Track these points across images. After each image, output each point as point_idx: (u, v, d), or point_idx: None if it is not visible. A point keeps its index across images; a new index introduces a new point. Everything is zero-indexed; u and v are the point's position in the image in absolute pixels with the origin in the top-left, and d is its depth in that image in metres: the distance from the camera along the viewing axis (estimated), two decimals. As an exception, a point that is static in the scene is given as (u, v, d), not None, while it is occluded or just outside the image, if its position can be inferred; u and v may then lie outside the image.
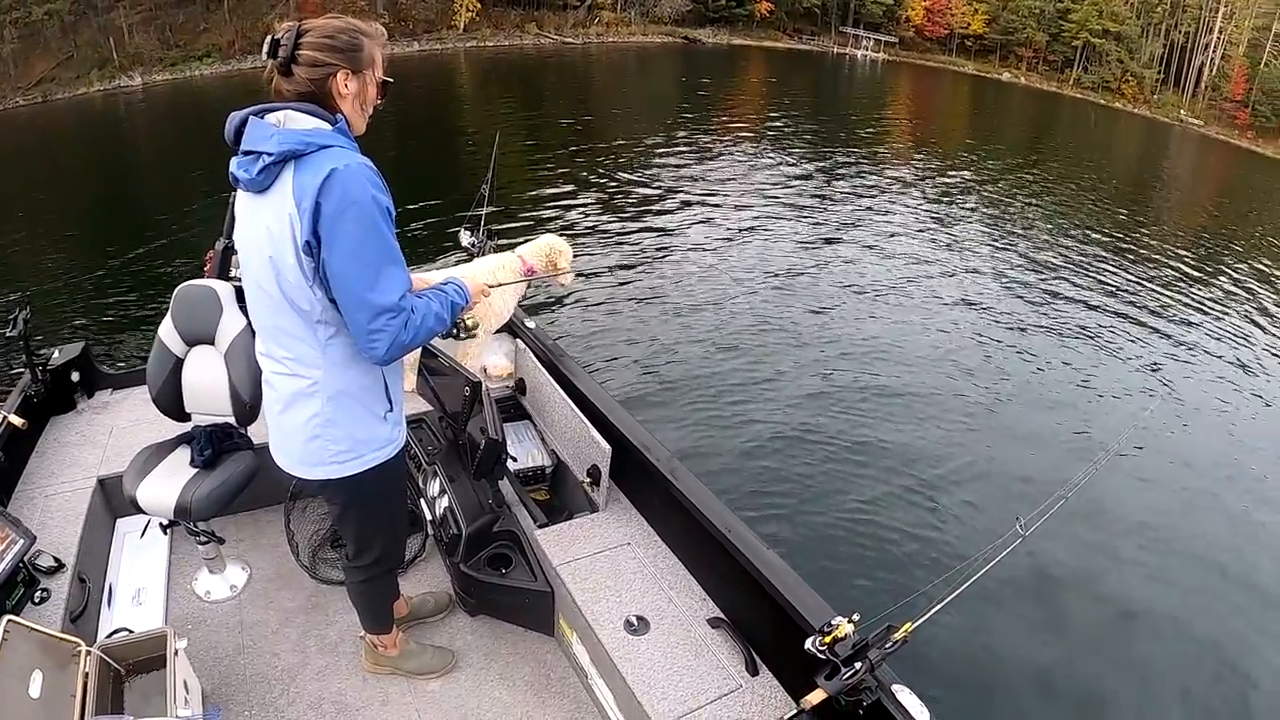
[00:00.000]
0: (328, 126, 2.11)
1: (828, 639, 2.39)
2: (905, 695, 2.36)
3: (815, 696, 2.36)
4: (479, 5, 46.34)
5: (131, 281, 11.54)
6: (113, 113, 30.82)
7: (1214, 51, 64.86)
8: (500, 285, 4.06)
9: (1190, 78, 65.11)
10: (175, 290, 3.39)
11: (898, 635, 2.38)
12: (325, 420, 2.34)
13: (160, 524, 3.56)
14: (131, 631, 3.23)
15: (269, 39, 2.12)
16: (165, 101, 31.80)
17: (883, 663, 2.35)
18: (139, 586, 3.64)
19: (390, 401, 2.44)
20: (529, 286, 4.77)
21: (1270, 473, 9.32)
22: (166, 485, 3.16)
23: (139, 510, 3.23)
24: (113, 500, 3.87)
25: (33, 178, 19.60)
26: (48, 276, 12.19)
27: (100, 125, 28.98)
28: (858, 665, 2.32)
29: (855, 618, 2.45)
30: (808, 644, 2.43)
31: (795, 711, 2.39)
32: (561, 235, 4.50)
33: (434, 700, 3.24)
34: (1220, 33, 64.91)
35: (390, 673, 3.25)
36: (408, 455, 4.11)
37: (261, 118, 2.10)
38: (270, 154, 2.02)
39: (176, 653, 2.87)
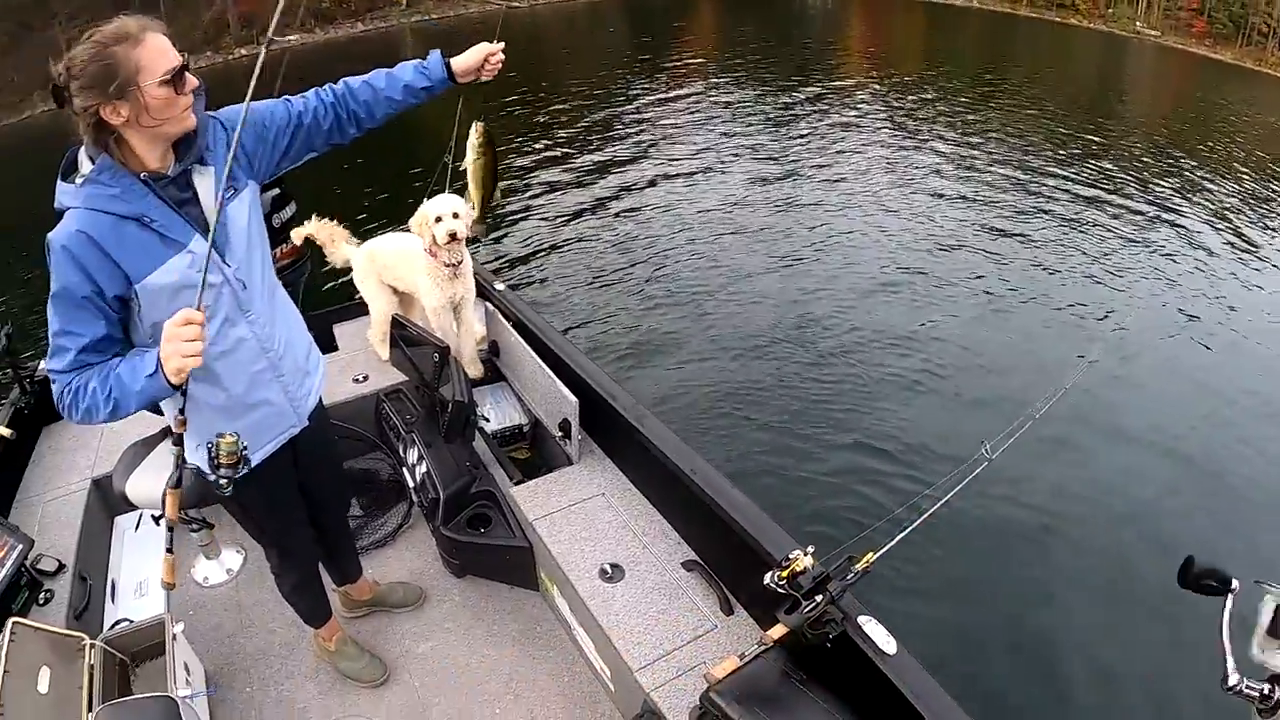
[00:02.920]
0: (84, 174, 2.07)
1: (785, 573, 2.46)
2: (871, 625, 2.40)
3: (776, 631, 2.41)
4: (421, -22, 45.79)
5: None
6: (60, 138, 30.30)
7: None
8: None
9: (1145, -12, 64.73)
10: None
11: (859, 566, 2.45)
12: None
13: (153, 516, 3.64)
14: (133, 622, 3.34)
15: (53, 85, 2.01)
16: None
17: (844, 594, 2.41)
18: (140, 579, 3.76)
19: (210, 437, 2.31)
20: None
21: (1240, 386, 9.31)
22: (154, 478, 3.23)
23: (130, 506, 3.32)
24: (108, 500, 3.99)
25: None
26: (25, 292, 12.23)
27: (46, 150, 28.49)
28: (818, 598, 2.37)
29: (810, 549, 2.52)
30: (767, 579, 2.49)
31: (759, 648, 2.43)
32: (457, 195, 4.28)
33: (424, 662, 3.39)
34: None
35: (328, 664, 3.35)
36: (386, 425, 4.24)
37: (75, 157, 2.13)
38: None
39: (175, 637, 3.02)
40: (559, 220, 13.57)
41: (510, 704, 3.20)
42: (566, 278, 11.25)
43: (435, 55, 2.52)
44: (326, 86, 2.48)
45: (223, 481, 2.26)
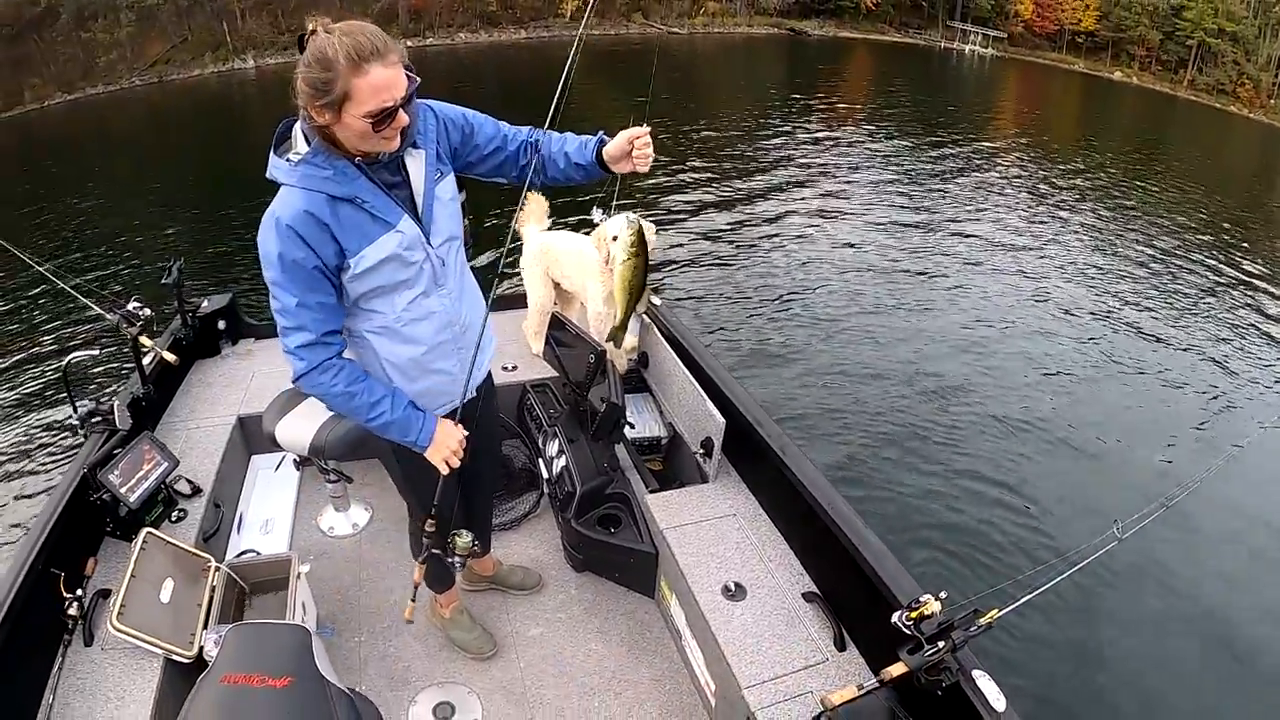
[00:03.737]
0: (301, 153, 2.14)
1: (914, 614, 2.42)
2: (985, 681, 2.36)
3: (896, 669, 2.38)
4: (585, -7, 46.67)
5: None
6: (228, 94, 31.80)
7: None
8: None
9: (1312, 81, 62.44)
10: None
11: (983, 620, 2.40)
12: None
13: (294, 460, 3.77)
14: (259, 554, 3.47)
15: (301, 36, 2.06)
16: (278, 84, 32.67)
17: (965, 644, 2.37)
18: (267, 518, 3.87)
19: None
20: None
21: None
22: (304, 424, 3.35)
23: (276, 446, 3.42)
24: (250, 438, 4.14)
25: (180, 143, 20.66)
26: (202, 237, 13.16)
27: (218, 105, 29.95)
28: (940, 644, 2.34)
29: (943, 595, 2.47)
30: (894, 617, 2.46)
31: (875, 683, 2.40)
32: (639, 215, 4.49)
33: (532, 645, 3.41)
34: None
35: (439, 630, 3.41)
36: (529, 416, 4.31)
37: (289, 131, 2.23)
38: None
39: (299, 575, 3.08)
40: (701, 239, 13.74)
41: (609, 700, 3.20)
42: (705, 295, 11.39)
43: (592, 140, 2.54)
44: (533, 129, 2.59)
45: (458, 564, 2.86)
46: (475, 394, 2.77)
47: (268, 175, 2.18)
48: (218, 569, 3.03)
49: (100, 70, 32.86)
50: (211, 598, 2.93)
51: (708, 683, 3.13)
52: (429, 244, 2.37)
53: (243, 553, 3.53)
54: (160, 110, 28.64)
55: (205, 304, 4.73)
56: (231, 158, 19.19)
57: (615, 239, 4.04)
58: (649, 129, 2.46)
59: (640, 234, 2.94)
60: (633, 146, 2.45)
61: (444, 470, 2.53)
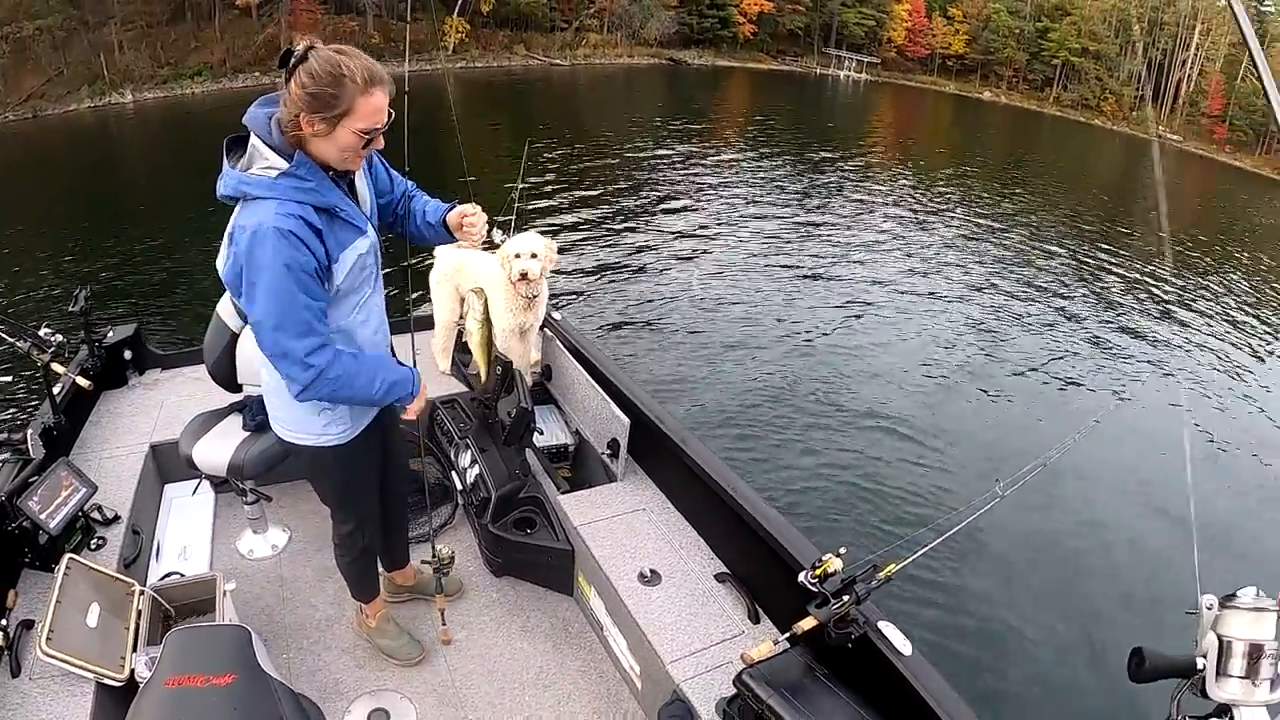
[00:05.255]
0: (278, 167, 2.23)
1: (818, 572, 2.59)
2: (891, 630, 2.53)
3: (806, 623, 2.51)
4: (467, 27, 46.58)
5: (182, 271, 11.89)
6: (105, 129, 30.96)
7: (1191, 68, 65.80)
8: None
9: (1168, 94, 65.97)
10: None
11: (882, 574, 2.58)
12: (272, 391, 2.66)
13: (211, 484, 3.78)
14: (183, 576, 3.47)
15: (284, 50, 2.22)
16: (157, 118, 31.95)
17: (868, 597, 2.54)
18: (185, 544, 3.85)
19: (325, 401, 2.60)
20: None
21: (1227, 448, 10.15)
22: (220, 445, 3.39)
23: (193, 469, 3.46)
24: (163, 466, 4.12)
25: (73, 178, 20.19)
26: (106, 267, 12.70)
27: (95, 140, 29.12)
28: (845, 598, 2.50)
29: (842, 551, 2.64)
30: (800, 577, 2.61)
31: (788, 640, 2.54)
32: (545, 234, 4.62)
33: (458, 648, 3.48)
34: (1197, 50, 65.87)
35: (366, 640, 3.45)
36: (440, 431, 4.38)
37: (238, 145, 2.32)
38: (221, 193, 2.28)
39: (225, 594, 3.10)
40: (598, 254, 14.29)
41: (539, 694, 3.29)
42: (602, 305, 11.87)
43: (444, 207, 2.80)
44: (411, 184, 2.83)
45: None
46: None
47: (229, 191, 2.26)
48: (142, 593, 3.02)
49: (-31, 105, 31.68)
50: (138, 621, 2.92)
51: (631, 666, 3.25)
52: (378, 250, 2.60)
53: (165, 576, 3.52)
54: (36, 145, 27.66)
55: (111, 334, 4.68)
56: (115, 192, 18.76)
57: (518, 255, 4.27)
58: (478, 207, 2.73)
59: (487, 305, 3.18)
60: (462, 219, 2.72)
61: (413, 417, 2.71)
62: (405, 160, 2.80)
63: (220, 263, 2.34)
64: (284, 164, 2.24)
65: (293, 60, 2.18)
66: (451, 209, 2.77)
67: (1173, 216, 29.52)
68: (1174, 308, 16.44)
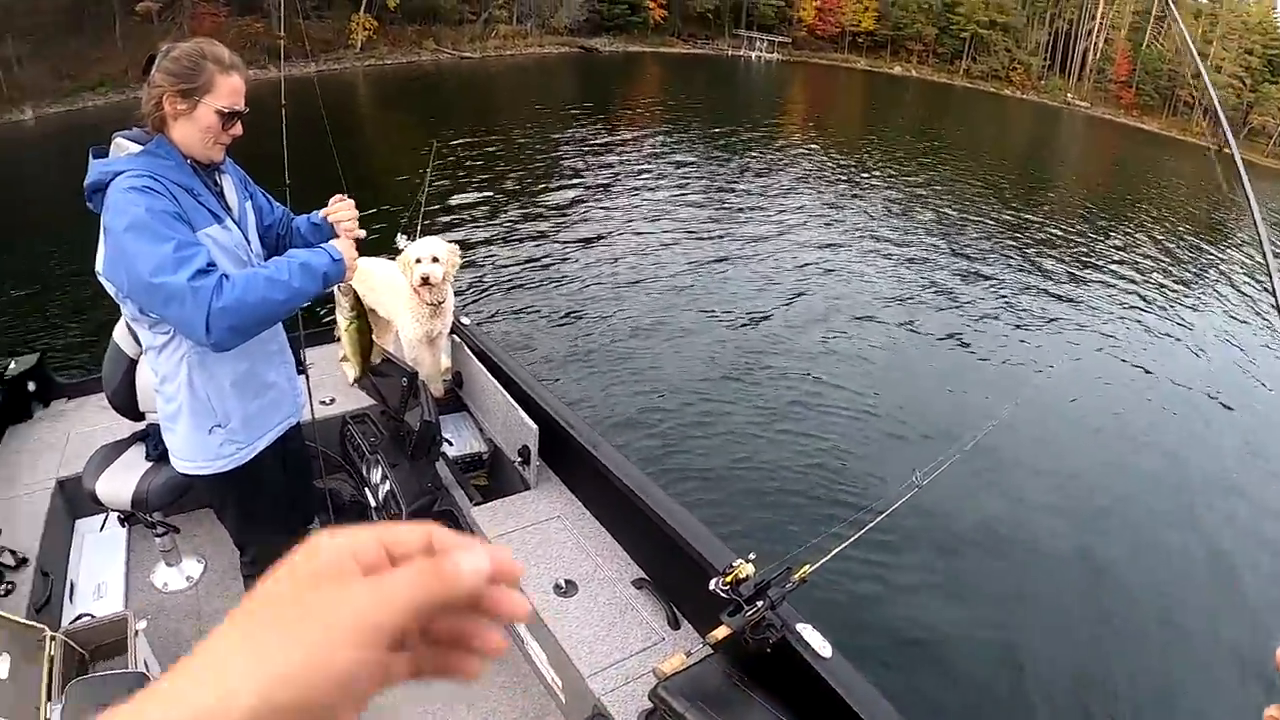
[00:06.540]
0: (137, 150, 2.32)
1: (729, 579, 2.60)
2: (810, 632, 2.52)
3: (720, 632, 2.52)
4: (375, 24, 45.90)
5: (86, 295, 11.46)
6: (4, 148, 30.00)
7: (1097, 36, 67.54)
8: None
9: (1075, 62, 67.82)
10: None
11: (796, 576, 2.60)
12: (166, 419, 2.63)
13: (119, 518, 3.71)
14: (95, 617, 3.41)
15: (148, 56, 2.33)
16: (59, 134, 31.01)
17: (783, 601, 2.55)
18: (99, 581, 3.80)
19: (219, 418, 2.57)
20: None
21: (1145, 430, 10.03)
22: (123, 478, 3.35)
23: (98, 504, 3.42)
24: (72, 500, 4.04)
25: None
26: (2, 293, 12.30)
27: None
28: (759, 603, 2.51)
29: (753, 557, 2.68)
30: (712, 585, 2.63)
31: (705, 649, 2.57)
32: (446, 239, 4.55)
33: None
34: (1102, 18, 67.61)
35: None
36: (350, 447, 4.34)
37: (103, 151, 2.35)
38: (86, 188, 2.29)
39: (137, 633, 3.06)
40: (507, 254, 13.96)
41: (463, 713, 3.28)
42: (513, 308, 11.62)
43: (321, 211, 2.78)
44: (288, 214, 2.88)
45: None
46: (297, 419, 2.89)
47: (92, 178, 2.27)
48: (53, 638, 2.97)
49: None
50: (51, 668, 2.87)
51: (554, 680, 3.25)
52: (249, 246, 2.59)
53: (77, 618, 3.46)
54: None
55: (12, 365, 4.55)
56: (12, 213, 18.18)
57: (419, 259, 4.23)
58: (345, 199, 2.69)
59: (357, 299, 3.13)
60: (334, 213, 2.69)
61: (350, 277, 2.55)
62: (285, 167, 2.88)
63: (99, 263, 2.32)
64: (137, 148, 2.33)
65: (155, 59, 2.30)
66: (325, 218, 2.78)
67: (1083, 180, 30.34)
68: (1090, 271, 16.80)
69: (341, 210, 2.65)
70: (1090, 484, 8.45)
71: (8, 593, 3.28)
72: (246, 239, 2.57)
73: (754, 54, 65.38)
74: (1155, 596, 6.85)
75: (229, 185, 2.58)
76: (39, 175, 24.61)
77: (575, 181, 19.72)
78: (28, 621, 3.00)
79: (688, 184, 20.14)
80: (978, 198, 22.07)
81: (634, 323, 11.26)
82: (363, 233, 2.67)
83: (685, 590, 3.15)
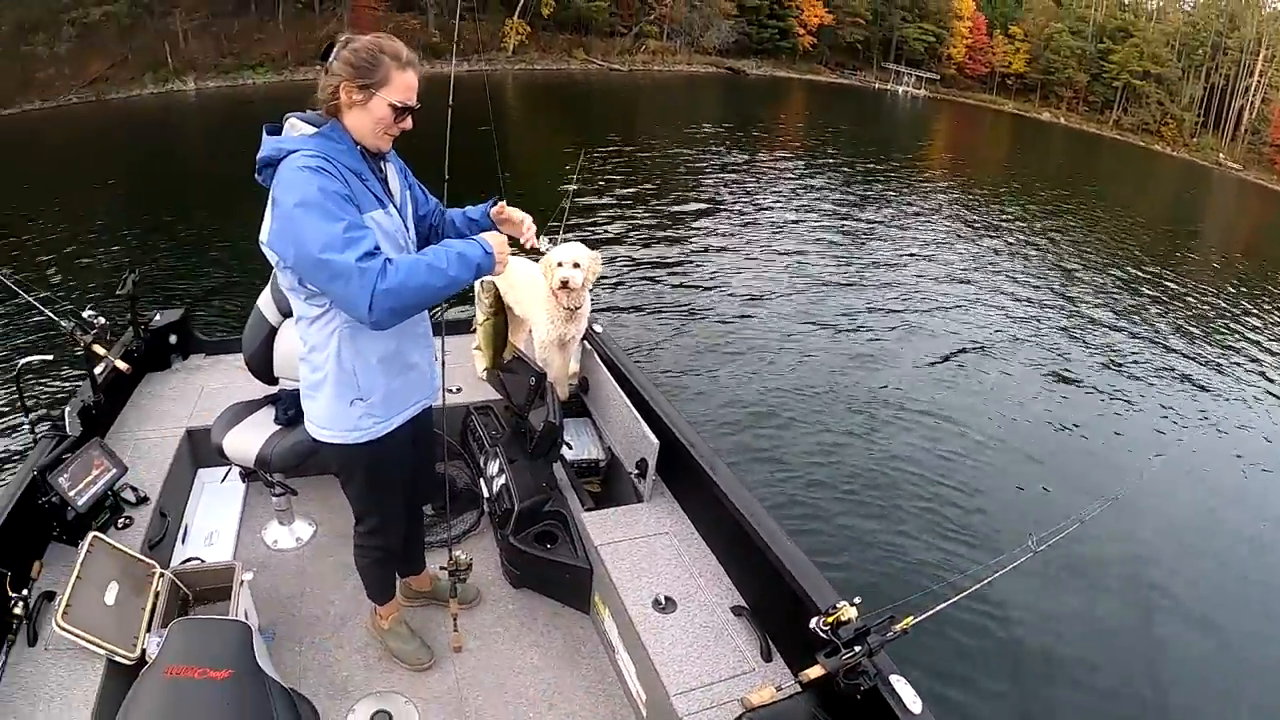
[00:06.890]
0: (311, 131, 2.42)
1: (830, 619, 2.54)
2: (901, 685, 2.45)
3: (814, 671, 2.46)
4: (528, 29, 46.85)
5: (234, 259, 11.95)
6: (167, 115, 31.45)
7: (1254, 95, 64.32)
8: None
9: (1230, 121, 64.62)
10: None
11: (899, 626, 2.50)
12: (309, 386, 2.69)
13: (240, 473, 3.83)
14: (204, 562, 3.52)
15: (327, 43, 2.43)
16: (218, 107, 32.39)
17: (882, 649, 2.48)
18: (212, 529, 3.94)
19: (362, 391, 2.64)
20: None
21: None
22: (251, 437, 3.45)
23: (222, 457, 3.52)
24: (197, 451, 4.21)
25: (133, 161, 20.71)
26: (157, 251, 12.95)
27: (155, 126, 29.60)
28: (857, 648, 2.44)
29: (857, 601, 2.59)
30: (812, 623, 2.57)
31: (795, 686, 2.50)
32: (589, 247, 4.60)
33: (469, 656, 3.47)
34: (1261, 76, 64.28)
35: (378, 641, 3.46)
36: (471, 436, 4.41)
37: (277, 128, 2.45)
38: (258, 161, 2.36)
39: (243, 583, 3.14)
40: (643, 265, 14.08)
41: (544, 711, 3.27)
42: (645, 319, 11.66)
43: (485, 205, 2.94)
44: (440, 206, 2.99)
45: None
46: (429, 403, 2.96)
47: (265, 153, 2.36)
48: (162, 575, 3.07)
49: (38, 85, 32.17)
50: (155, 603, 2.97)
51: (639, 693, 3.22)
52: (409, 234, 2.69)
53: (186, 561, 3.58)
54: (100, 128, 28.14)
55: (158, 318, 4.81)
56: (172, 178, 19.03)
57: (560, 264, 4.28)
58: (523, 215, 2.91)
59: (497, 295, 3.22)
60: (503, 215, 2.90)
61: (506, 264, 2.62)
62: (447, 153, 2.89)
63: (263, 234, 2.40)
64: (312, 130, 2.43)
65: (335, 48, 2.40)
66: (493, 205, 2.90)
67: (1224, 246, 29.04)
68: (1230, 350, 15.71)
69: (515, 212, 2.88)
70: (1211, 576, 7.82)
71: (125, 526, 3.41)
72: (406, 226, 2.66)
73: (901, 88, 64.73)
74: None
75: (393, 174, 2.68)
76: (196, 145, 25.77)
77: (715, 204, 19.69)
78: (140, 556, 3.13)
79: (824, 214, 19.92)
80: (1120, 256, 21.26)
81: (760, 344, 11.18)
82: (528, 230, 2.87)
83: (782, 623, 3.09)
